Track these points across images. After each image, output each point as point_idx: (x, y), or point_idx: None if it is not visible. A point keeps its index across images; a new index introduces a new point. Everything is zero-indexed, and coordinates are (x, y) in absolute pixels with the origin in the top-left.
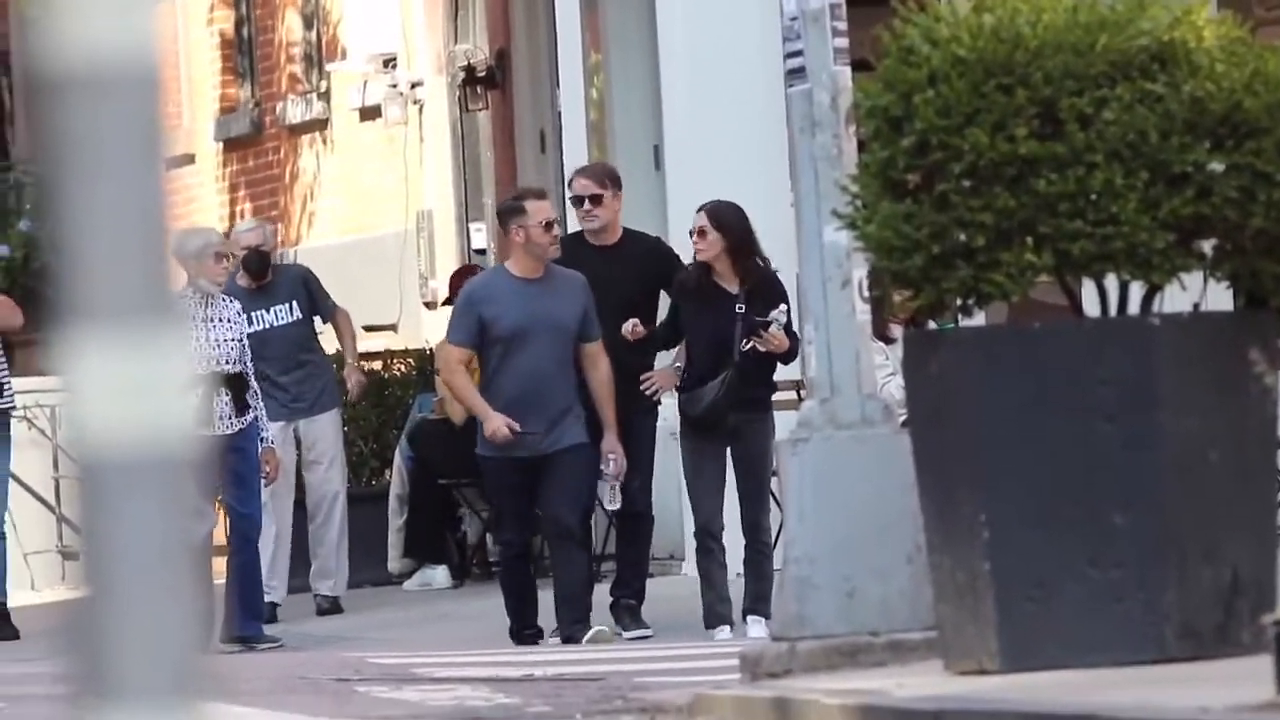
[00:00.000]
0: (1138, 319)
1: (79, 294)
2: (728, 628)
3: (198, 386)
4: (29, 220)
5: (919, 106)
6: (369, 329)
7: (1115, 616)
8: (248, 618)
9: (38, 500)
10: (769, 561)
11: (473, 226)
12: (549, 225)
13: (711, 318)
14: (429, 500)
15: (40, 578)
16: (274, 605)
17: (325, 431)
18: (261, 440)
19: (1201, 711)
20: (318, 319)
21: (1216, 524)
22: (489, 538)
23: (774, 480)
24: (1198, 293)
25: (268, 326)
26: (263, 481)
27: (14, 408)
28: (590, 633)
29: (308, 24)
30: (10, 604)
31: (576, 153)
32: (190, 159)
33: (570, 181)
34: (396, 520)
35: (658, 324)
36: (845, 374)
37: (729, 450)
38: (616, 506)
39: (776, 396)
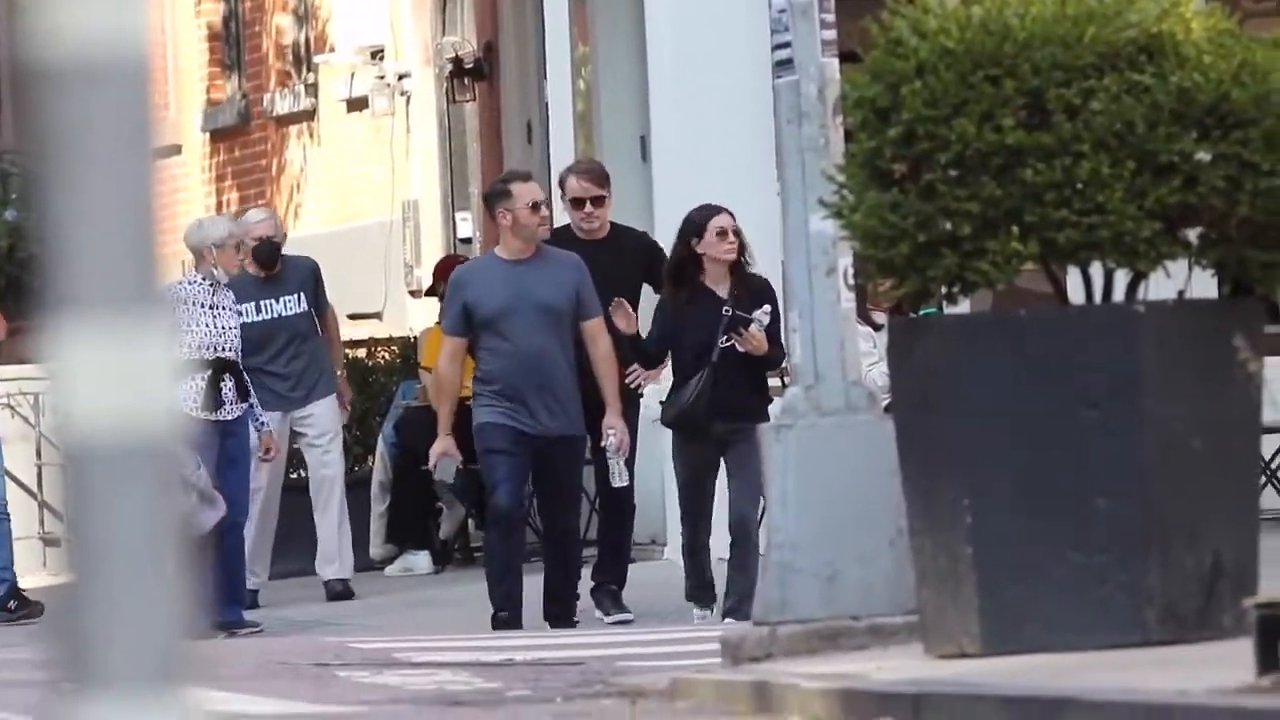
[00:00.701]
0: (1123, 306)
1: (67, 283)
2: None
3: (200, 372)
4: (14, 210)
5: (906, 97)
6: (354, 317)
7: (1097, 600)
8: (229, 603)
9: (20, 487)
10: (756, 564)
11: (458, 216)
12: (536, 206)
13: (695, 319)
14: (412, 487)
15: (21, 564)
16: (254, 592)
17: (323, 416)
18: (260, 425)
19: (1181, 694)
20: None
21: (1199, 509)
22: (470, 523)
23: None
24: (1183, 280)
25: (276, 316)
26: (258, 463)
27: None
28: None
29: (295, 16)
30: None
31: (563, 144)
32: (177, 150)
33: (563, 180)
34: (379, 506)
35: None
36: (830, 361)
37: (722, 461)
38: (624, 484)
39: None
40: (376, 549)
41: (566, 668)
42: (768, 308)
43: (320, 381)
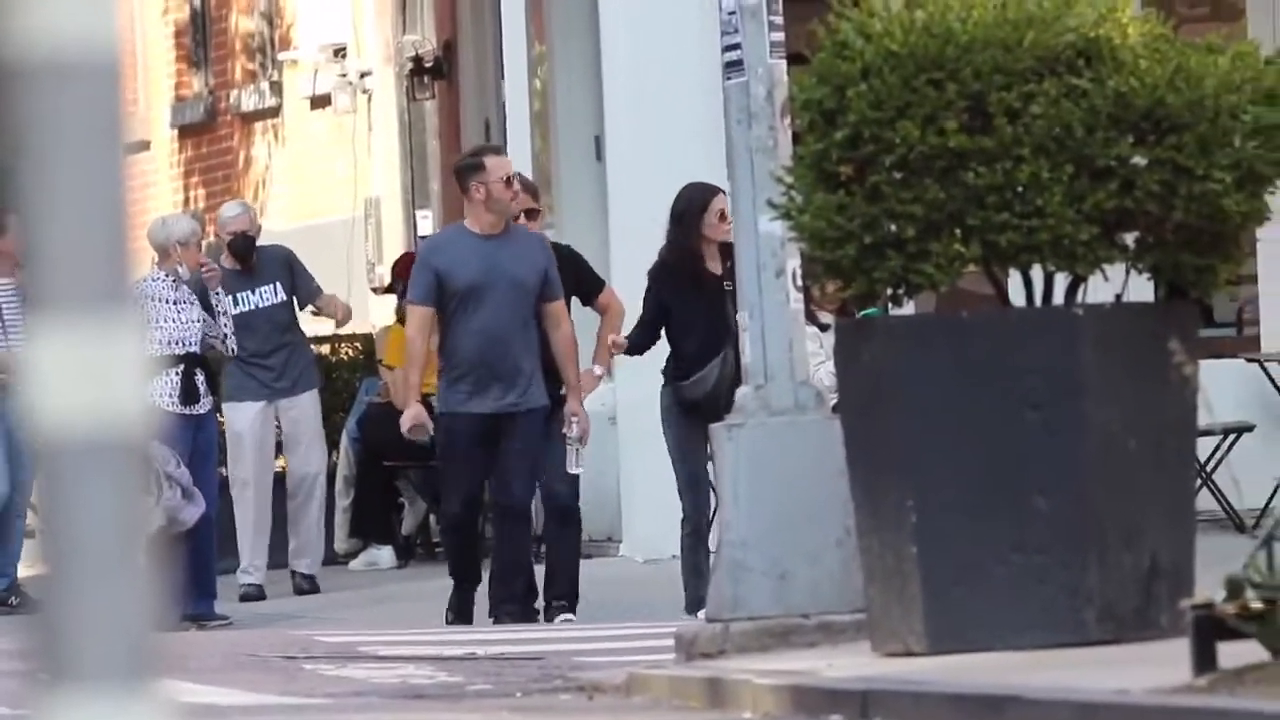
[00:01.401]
0: (1062, 309)
1: (39, 280)
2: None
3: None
4: None
5: (852, 100)
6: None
7: (1038, 600)
8: (199, 596)
9: None
10: None
11: (419, 213)
12: (509, 180)
13: (704, 300)
14: (374, 482)
15: None
16: (259, 586)
17: (306, 411)
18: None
19: (1120, 693)
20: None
21: (1136, 510)
22: (432, 518)
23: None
24: (1120, 284)
25: (252, 308)
26: (242, 456)
27: None
28: None
29: (261, 15)
30: None
31: (520, 142)
32: (145, 145)
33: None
34: (343, 501)
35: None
36: (779, 361)
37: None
38: (579, 471)
39: None
40: (341, 543)
41: (526, 662)
42: None
43: (304, 374)
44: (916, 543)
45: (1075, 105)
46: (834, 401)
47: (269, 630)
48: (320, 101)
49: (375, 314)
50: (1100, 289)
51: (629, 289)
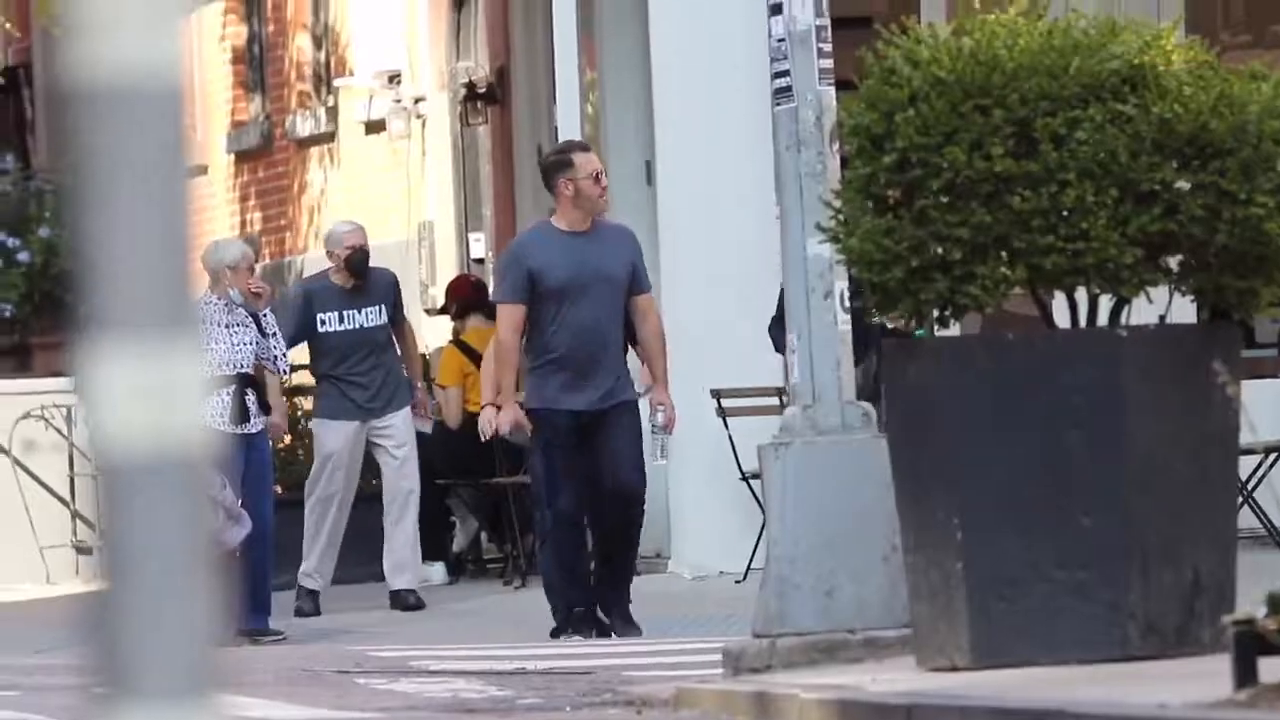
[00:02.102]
0: (1106, 330)
1: (102, 302)
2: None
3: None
4: (49, 227)
5: (900, 125)
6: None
7: (1081, 615)
8: (254, 611)
9: (54, 497)
10: None
11: (471, 236)
12: (597, 177)
13: None
14: (427, 500)
15: (55, 571)
16: (317, 594)
17: (400, 429)
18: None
19: (1161, 708)
20: None
21: (1179, 527)
22: (483, 536)
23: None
24: (1164, 306)
25: (358, 326)
26: (333, 470)
27: None
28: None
29: (316, 41)
30: (25, 597)
31: None
32: (203, 170)
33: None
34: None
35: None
36: (827, 382)
37: None
38: (664, 462)
39: (758, 402)
40: None
41: (576, 677)
42: None
43: (398, 392)
44: (962, 559)
45: (1120, 131)
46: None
47: (322, 645)
48: (375, 127)
49: (429, 335)
50: (1144, 311)
51: (676, 310)
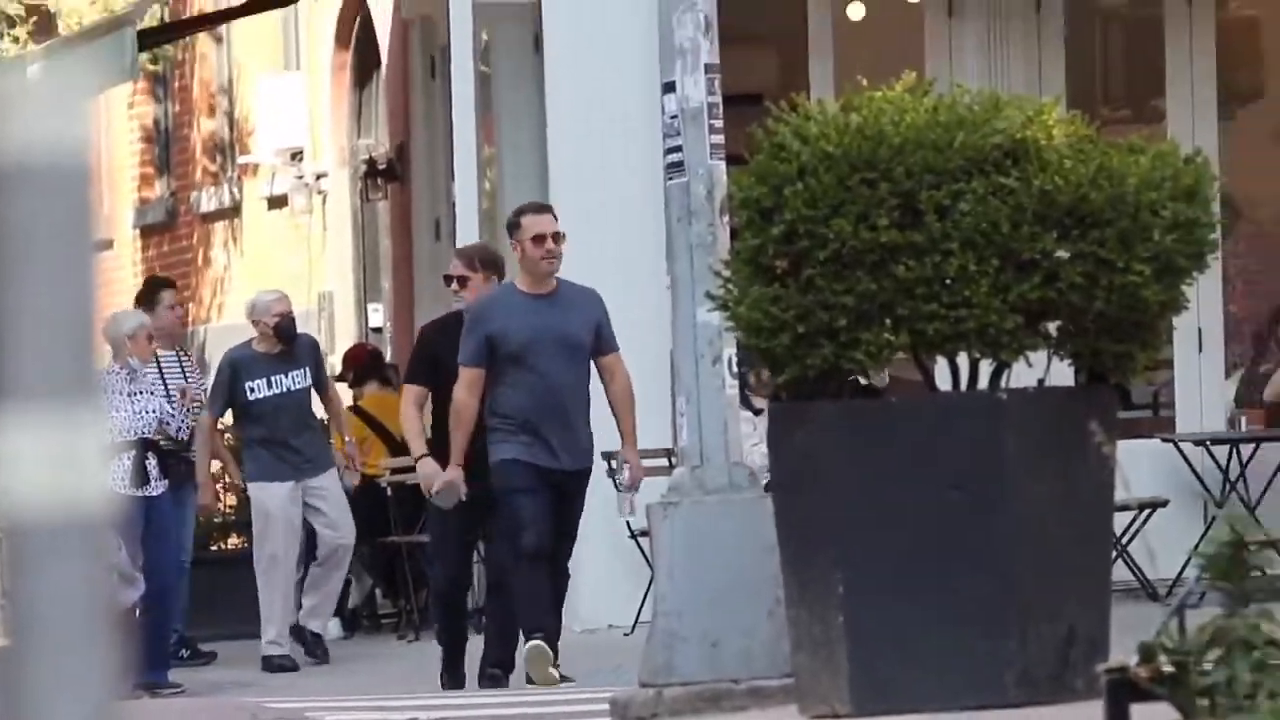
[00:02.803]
0: (986, 393)
1: (9, 371)
2: None
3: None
4: None
5: (788, 198)
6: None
7: (960, 665)
8: (153, 665)
9: None
10: None
11: (370, 307)
12: (539, 239)
13: None
14: None
15: None
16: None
17: (332, 488)
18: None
19: None
20: None
21: (1056, 584)
22: (377, 593)
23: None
24: (1043, 369)
25: (285, 391)
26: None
27: None
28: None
29: (222, 120)
30: None
31: (469, 240)
32: (109, 244)
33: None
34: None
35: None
36: (714, 444)
37: None
38: (631, 517)
39: (647, 463)
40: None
41: None
42: None
43: (323, 452)
44: (843, 613)
45: (1002, 203)
46: (766, 481)
47: (219, 698)
48: (278, 202)
49: None
50: (1023, 375)
51: None
